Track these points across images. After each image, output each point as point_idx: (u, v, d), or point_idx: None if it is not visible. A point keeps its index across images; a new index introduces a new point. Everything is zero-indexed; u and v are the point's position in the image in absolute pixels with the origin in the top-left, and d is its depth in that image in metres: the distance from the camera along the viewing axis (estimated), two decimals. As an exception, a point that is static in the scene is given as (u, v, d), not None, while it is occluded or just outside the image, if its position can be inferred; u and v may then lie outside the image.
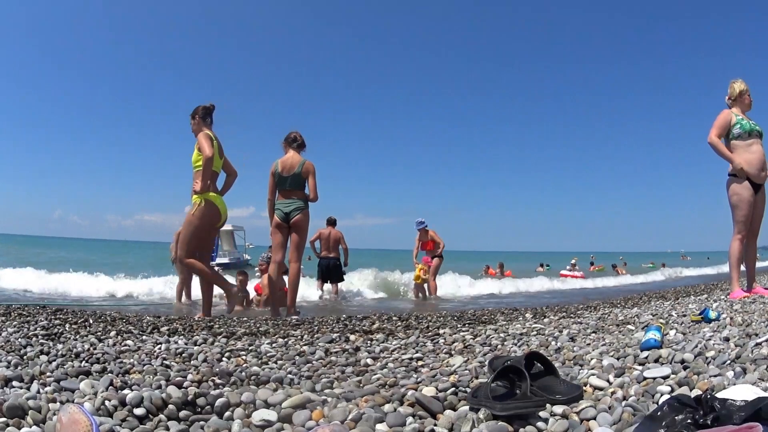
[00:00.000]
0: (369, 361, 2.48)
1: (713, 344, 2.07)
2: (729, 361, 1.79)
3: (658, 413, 1.17)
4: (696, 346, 2.05)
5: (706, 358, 1.88)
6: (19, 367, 2.06)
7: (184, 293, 7.11)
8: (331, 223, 9.14)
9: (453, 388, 1.76)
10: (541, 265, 21.32)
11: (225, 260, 20.20)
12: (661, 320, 3.10)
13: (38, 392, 1.67)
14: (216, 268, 6.90)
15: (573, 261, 22.37)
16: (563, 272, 18.56)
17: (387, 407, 1.58)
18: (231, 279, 7.37)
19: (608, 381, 1.75)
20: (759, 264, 5.72)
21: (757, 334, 2.12)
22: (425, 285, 9.05)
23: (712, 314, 2.80)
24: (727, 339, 2.15)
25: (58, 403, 1.56)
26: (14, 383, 1.81)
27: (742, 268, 4.60)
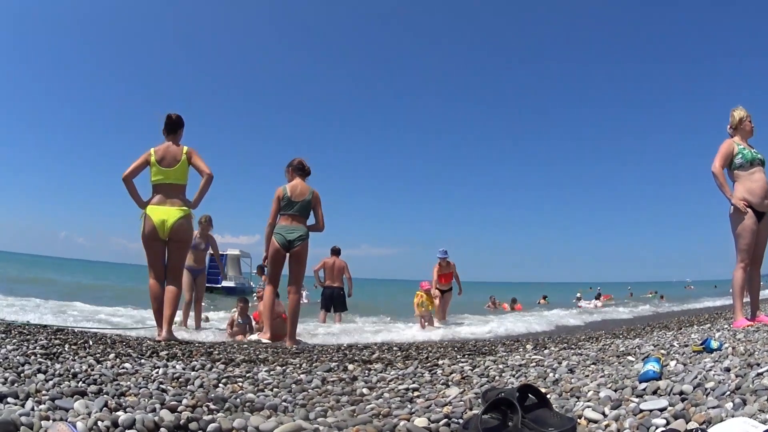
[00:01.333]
0: (365, 390, 2.46)
1: (713, 375, 2.05)
2: (728, 392, 1.77)
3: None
4: (695, 377, 2.03)
5: (706, 389, 1.86)
6: (16, 384, 2.06)
7: (192, 317, 7.14)
8: (336, 252, 9.09)
9: (445, 420, 1.76)
10: (544, 298, 21.16)
11: (231, 284, 20.55)
12: (663, 351, 3.07)
13: (32, 409, 1.68)
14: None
15: (579, 294, 22.17)
16: (581, 305, 18.57)
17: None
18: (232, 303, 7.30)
19: (603, 414, 1.74)
20: (763, 292, 5.65)
21: (758, 364, 2.10)
22: (431, 314, 8.38)
23: (714, 344, 2.77)
24: (728, 369, 2.12)
25: (50, 421, 1.57)
26: (9, 399, 1.80)
27: (746, 298, 4.56)
